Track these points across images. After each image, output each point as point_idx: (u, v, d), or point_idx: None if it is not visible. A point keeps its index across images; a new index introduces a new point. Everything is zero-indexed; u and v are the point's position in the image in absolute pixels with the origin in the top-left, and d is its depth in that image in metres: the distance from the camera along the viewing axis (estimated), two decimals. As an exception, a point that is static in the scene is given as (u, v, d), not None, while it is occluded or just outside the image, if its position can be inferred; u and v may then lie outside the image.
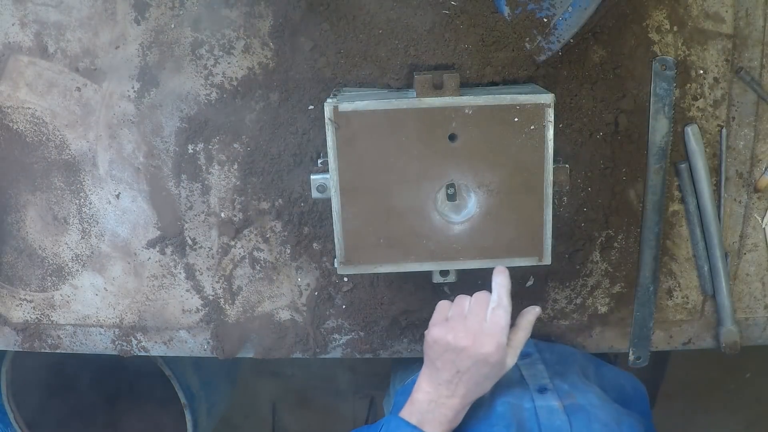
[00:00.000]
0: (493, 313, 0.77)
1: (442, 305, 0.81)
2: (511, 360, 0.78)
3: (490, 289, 0.81)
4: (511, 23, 0.90)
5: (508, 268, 0.82)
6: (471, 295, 0.81)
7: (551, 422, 0.77)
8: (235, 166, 1.02)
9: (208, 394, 1.57)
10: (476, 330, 0.76)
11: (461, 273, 0.93)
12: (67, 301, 1.11)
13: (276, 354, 1.10)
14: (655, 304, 1.05)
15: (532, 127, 0.82)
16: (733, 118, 0.98)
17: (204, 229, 1.05)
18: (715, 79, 0.96)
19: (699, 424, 2.10)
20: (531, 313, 0.82)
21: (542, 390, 0.85)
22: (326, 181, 0.87)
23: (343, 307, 1.08)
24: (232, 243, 1.05)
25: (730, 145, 0.99)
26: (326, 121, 0.82)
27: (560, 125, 0.96)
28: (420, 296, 1.05)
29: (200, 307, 1.09)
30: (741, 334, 1.05)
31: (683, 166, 0.99)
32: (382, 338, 1.09)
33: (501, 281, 0.79)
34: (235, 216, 1.04)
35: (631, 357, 1.09)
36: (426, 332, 0.81)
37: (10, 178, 1.05)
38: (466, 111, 0.82)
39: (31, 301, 1.11)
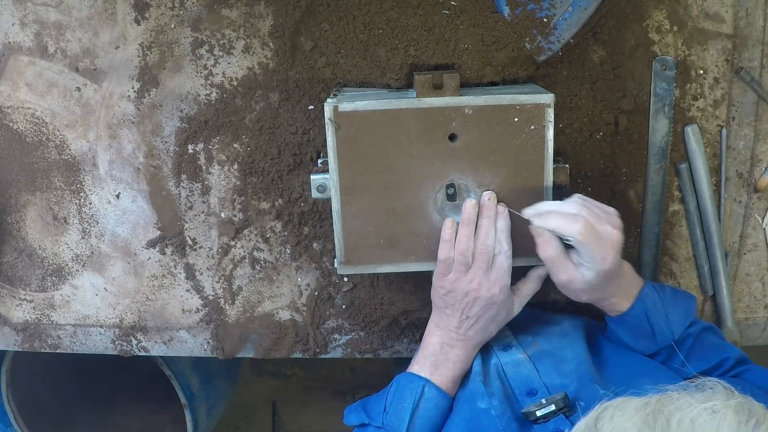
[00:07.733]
0: (496, 260, 0.81)
1: (445, 259, 0.82)
2: (518, 307, 0.84)
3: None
4: (511, 23, 0.90)
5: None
6: (466, 220, 0.82)
7: (518, 373, 0.80)
8: (235, 166, 1.02)
9: (208, 394, 1.57)
10: (481, 278, 0.80)
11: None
12: (67, 301, 1.11)
13: (276, 354, 1.10)
14: (655, 304, 1.05)
15: (532, 127, 0.82)
16: (733, 118, 0.98)
17: (204, 229, 1.05)
18: (715, 79, 0.96)
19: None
20: (542, 269, 0.86)
21: (506, 348, 0.87)
22: (326, 181, 0.87)
23: (343, 307, 1.08)
24: (232, 243, 1.05)
25: (730, 145, 0.99)
26: (326, 121, 0.82)
27: (560, 125, 0.96)
28: (420, 296, 1.05)
29: (200, 307, 1.09)
30: (741, 334, 1.05)
31: (683, 166, 0.99)
32: (382, 338, 1.09)
33: (501, 226, 0.82)
34: (235, 216, 1.04)
35: (631, 357, 1.09)
36: (433, 282, 0.84)
37: (10, 178, 1.05)
38: (466, 111, 0.82)
39: (31, 301, 1.11)
